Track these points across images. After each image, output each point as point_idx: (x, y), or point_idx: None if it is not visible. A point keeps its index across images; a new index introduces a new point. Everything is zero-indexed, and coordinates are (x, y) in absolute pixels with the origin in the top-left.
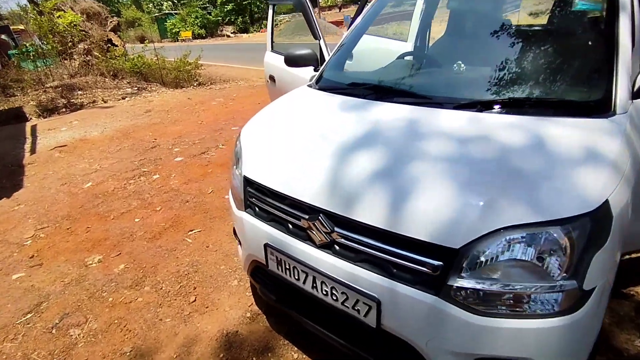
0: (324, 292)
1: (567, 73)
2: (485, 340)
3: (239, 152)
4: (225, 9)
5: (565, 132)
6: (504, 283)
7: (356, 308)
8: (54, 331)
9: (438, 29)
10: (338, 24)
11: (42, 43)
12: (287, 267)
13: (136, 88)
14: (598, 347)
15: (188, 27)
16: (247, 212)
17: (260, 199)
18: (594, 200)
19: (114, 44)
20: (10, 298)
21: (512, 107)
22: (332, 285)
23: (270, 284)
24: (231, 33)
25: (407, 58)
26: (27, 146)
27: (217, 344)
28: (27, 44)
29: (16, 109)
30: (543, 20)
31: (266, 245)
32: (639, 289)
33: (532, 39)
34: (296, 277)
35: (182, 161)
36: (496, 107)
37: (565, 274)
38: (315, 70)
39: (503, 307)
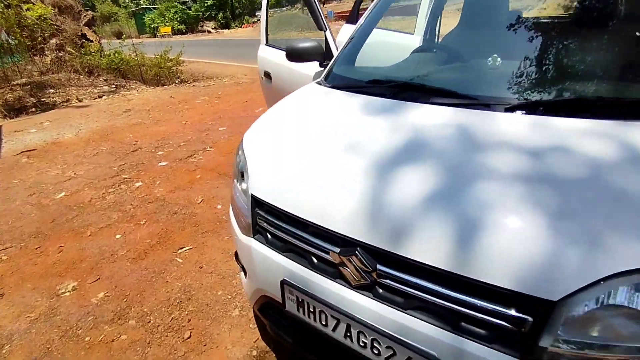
0: (362, 344)
1: None
2: None
3: (243, 165)
4: (206, 4)
5: None
6: (617, 346)
7: None
8: None
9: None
10: None
11: (9, 38)
12: (312, 310)
13: (114, 86)
14: None
15: (167, 22)
16: (256, 238)
17: (273, 224)
18: None
19: (88, 39)
20: None
21: (583, 109)
22: (374, 336)
23: (287, 325)
24: (212, 29)
25: (425, 52)
26: None
27: None
28: None
29: None
30: None
31: (284, 283)
32: None
33: (592, 26)
34: (323, 323)
35: (167, 166)
36: (563, 109)
37: None
38: (321, 65)
39: None
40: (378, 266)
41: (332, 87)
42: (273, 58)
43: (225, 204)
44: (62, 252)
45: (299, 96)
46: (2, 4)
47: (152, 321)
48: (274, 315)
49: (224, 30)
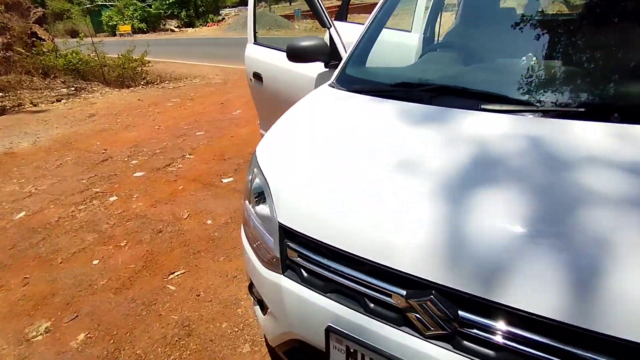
0: None
1: None
2: None
3: (263, 186)
4: (168, 2)
5: None
6: None
7: None
8: None
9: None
10: (289, 17)
11: None
12: None
13: (73, 88)
14: None
15: (126, 20)
16: (286, 275)
17: (311, 260)
18: None
19: (40, 38)
20: None
21: None
22: None
23: None
24: (175, 27)
25: (443, 51)
26: None
27: None
28: None
29: None
30: None
31: (329, 330)
32: None
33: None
34: None
35: (144, 177)
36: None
37: None
38: (327, 66)
39: None
40: (461, 313)
41: (351, 91)
42: (264, 58)
43: (215, 219)
44: (29, 285)
45: (314, 102)
46: None
47: None
48: None
49: (188, 29)
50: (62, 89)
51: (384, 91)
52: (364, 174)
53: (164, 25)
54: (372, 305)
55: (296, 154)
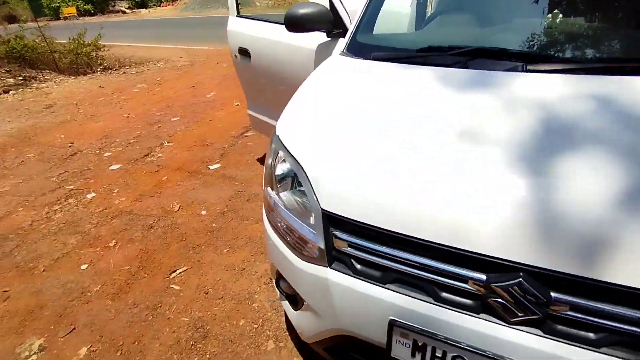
0: None
1: None
2: None
3: (296, 169)
4: None
5: None
6: None
7: None
8: None
9: None
10: None
11: None
12: (439, 355)
13: (21, 78)
14: None
15: (70, 1)
16: (334, 268)
17: (367, 249)
18: None
19: None
20: None
21: None
22: None
23: None
24: (127, 8)
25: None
26: None
27: None
28: None
29: None
30: None
31: (392, 324)
32: None
33: None
34: None
35: (122, 169)
36: None
37: None
38: (329, 35)
39: None
40: (553, 294)
41: (371, 59)
42: (251, 31)
43: (209, 209)
44: (10, 299)
45: (332, 74)
46: None
47: None
48: (359, 357)
49: (141, 9)
50: (8, 79)
51: (411, 57)
52: (420, 147)
53: (114, 6)
54: (443, 293)
55: (331, 132)
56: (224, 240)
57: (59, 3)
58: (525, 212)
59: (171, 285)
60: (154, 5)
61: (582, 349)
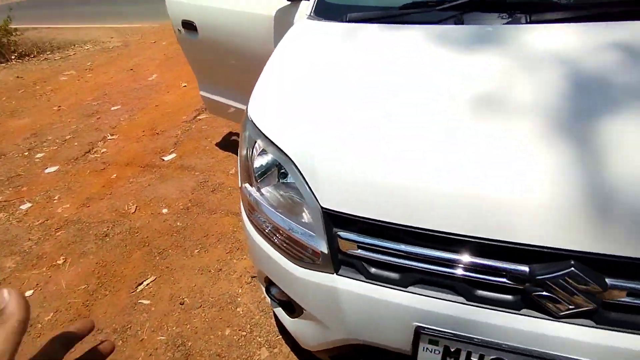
0: None
1: None
2: None
3: (283, 161)
4: None
5: None
6: None
7: None
8: None
9: None
10: None
11: None
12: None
13: None
14: None
15: None
16: (342, 274)
17: (382, 250)
18: None
19: None
20: None
21: None
22: None
23: None
24: None
25: None
26: None
27: None
28: None
29: None
30: None
31: (420, 331)
32: None
33: None
34: None
35: (59, 171)
36: None
37: None
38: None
39: None
40: (608, 281)
41: (346, 21)
42: (196, 0)
43: (170, 205)
44: None
45: (304, 43)
46: None
47: None
48: None
49: None
50: None
51: (393, 16)
52: (436, 124)
53: None
54: (477, 291)
55: (320, 113)
56: (193, 239)
57: None
58: (571, 191)
59: (140, 301)
60: None
61: None
